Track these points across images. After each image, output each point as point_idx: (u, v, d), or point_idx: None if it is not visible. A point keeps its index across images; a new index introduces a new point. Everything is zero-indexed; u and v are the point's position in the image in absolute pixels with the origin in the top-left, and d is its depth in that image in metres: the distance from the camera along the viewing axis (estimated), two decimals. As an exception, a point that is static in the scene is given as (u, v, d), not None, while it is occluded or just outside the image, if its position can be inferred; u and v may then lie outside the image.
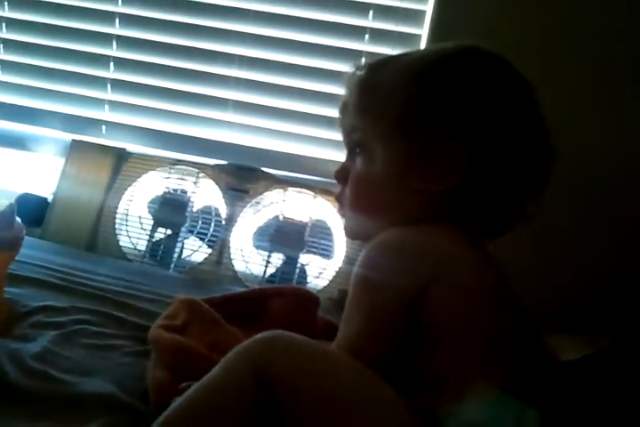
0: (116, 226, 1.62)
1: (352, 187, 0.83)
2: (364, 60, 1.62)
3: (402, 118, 0.78)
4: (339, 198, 0.87)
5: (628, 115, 1.46)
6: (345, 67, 1.56)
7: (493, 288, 0.74)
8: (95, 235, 1.61)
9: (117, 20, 1.73)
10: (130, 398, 0.82)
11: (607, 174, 1.45)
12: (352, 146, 0.84)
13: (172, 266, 1.57)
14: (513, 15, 1.50)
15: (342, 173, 0.85)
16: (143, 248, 1.60)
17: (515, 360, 0.70)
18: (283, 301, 1.06)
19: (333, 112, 1.61)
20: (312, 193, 1.60)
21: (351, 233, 0.89)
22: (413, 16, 1.60)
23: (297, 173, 1.66)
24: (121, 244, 1.61)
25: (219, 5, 1.68)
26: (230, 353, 0.67)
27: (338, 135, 1.63)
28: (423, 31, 1.60)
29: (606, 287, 1.44)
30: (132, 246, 1.60)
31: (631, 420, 0.85)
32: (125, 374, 0.89)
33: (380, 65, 0.85)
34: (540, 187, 0.81)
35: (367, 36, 1.63)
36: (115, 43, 1.74)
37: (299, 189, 1.62)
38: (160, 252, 1.59)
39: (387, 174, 0.79)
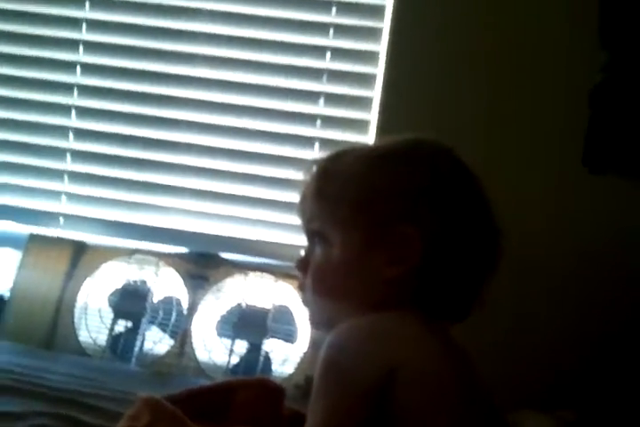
0: (75, 320, 1.59)
1: (312, 275, 0.84)
2: (316, 147, 1.67)
3: (357, 207, 0.81)
4: (301, 287, 0.88)
5: (576, 198, 1.52)
6: (298, 153, 1.64)
7: (459, 375, 0.74)
8: (54, 330, 1.57)
9: (74, 113, 1.76)
10: None
11: (556, 255, 1.49)
12: (311, 235, 0.86)
13: (134, 360, 1.54)
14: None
15: (303, 263, 0.86)
16: (103, 342, 1.57)
17: None
18: (247, 394, 1.04)
19: (290, 197, 1.66)
20: (273, 277, 1.60)
21: (315, 322, 0.89)
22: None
23: (257, 257, 1.66)
24: (80, 338, 1.58)
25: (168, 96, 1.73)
26: None
27: (296, 219, 1.66)
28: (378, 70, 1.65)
29: (572, 362, 1.45)
30: (92, 341, 1.57)
31: None
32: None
33: (336, 155, 0.88)
34: (492, 268, 0.83)
35: (319, 123, 1.68)
36: (71, 133, 1.76)
37: (260, 274, 1.61)
38: (121, 345, 1.56)
39: (344, 261, 0.81)
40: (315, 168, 0.88)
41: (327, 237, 0.83)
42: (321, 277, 0.83)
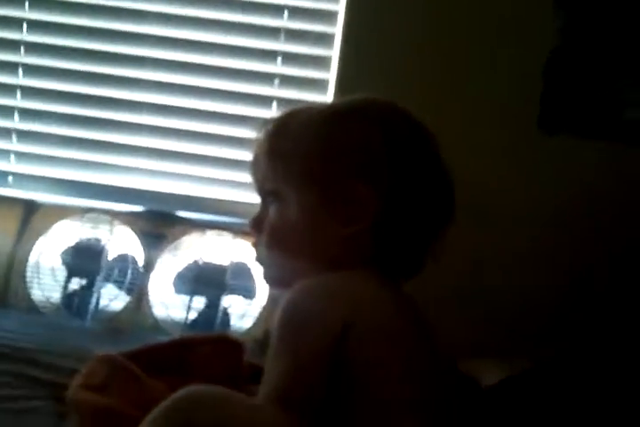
0: (28, 278, 1.56)
1: (268, 235, 0.84)
2: (274, 107, 1.65)
3: (311, 163, 0.81)
4: (255, 246, 0.88)
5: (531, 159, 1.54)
6: (254, 111, 1.62)
7: (413, 331, 0.76)
8: (6, 289, 1.55)
9: (20, 70, 1.70)
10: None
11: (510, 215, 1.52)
12: (265, 195, 0.86)
13: (89, 317, 1.53)
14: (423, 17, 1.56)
15: (256, 222, 0.86)
16: (57, 301, 1.55)
17: (438, 402, 0.72)
18: (206, 349, 1.04)
19: (245, 155, 1.64)
20: (231, 235, 1.60)
21: (270, 281, 0.90)
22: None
23: (215, 215, 1.65)
24: (33, 297, 1.56)
25: (128, 54, 1.68)
26: (153, 413, 0.65)
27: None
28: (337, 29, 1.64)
29: (528, 311, 1.48)
30: (45, 299, 1.55)
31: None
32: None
33: (289, 114, 0.88)
34: (446, 224, 0.84)
35: (277, 81, 1.66)
36: (19, 91, 1.70)
37: (217, 232, 1.61)
38: (75, 303, 1.54)
39: (300, 220, 0.81)
40: (267, 127, 0.87)
41: (281, 196, 0.83)
42: (277, 236, 0.83)
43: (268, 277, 0.89)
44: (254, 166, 0.87)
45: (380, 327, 0.72)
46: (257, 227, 0.86)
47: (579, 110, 1.53)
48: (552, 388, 1.13)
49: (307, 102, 1.57)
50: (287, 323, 0.73)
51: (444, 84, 1.55)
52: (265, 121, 0.88)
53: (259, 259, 0.88)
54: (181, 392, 0.65)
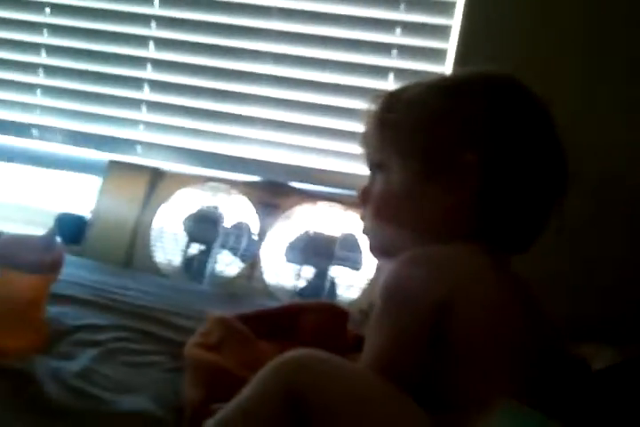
0: (152, 242, 1.66)
1: (373, 206, 0.86)
2: (391, 78, 1.64)
3: (417, 133, 0.83)
4: (362, 218, 0.91)
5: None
6: (371, 83, 1.61)
7: (518, 305, 0.76)
8: (132, 251, 1.66)
9: (152, 44, 1.78)
10: (166, 415, 0.85)
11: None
12: (373, 166, 0.88)
13: (206, 281, 1.61)
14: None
15: (364, 194, 0.88)
16: (178, 264, 1.64)
17: (538, 378, 0.72)
18: (314, 316, 1.09)
19: (357, 127, 1.65)
20: (342, 206, 1.63)
21: (376, 251, 0.92)
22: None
23: (327, 186, 1.68)
24: (156, 260, 1.65)
25: (249, 27, 1.73)
26: (260, 373, 0.69)
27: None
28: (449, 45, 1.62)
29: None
30: (167, 262, 1.65)
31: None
32: (163, 391, 0.92)
33: (401, 88, 0.90)
34: (559, 196, 0.83)
35: (395, 52, 1.65)
36: (149, 65, 1.79)
37: (328, 203, 1.64)
38: (194, 267, 1.62)
39: (404, 189, 0.83)
40: (379, 100, 0.89)
41: (387, 166, 0.84)
42: (382, 204, 0.85)
43: (372, 248, 0.91)
44: (365, 138, 0.90)
45: (482, 299, 0.73)
46: (364, 198, 0.88)
47: None
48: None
49: (423, 76, 1.56)
50: (389, 295, 0.75)
51: (566, 53, 1.48)
52: (377, 94, 0.90)
53: (365, 230, 0.91)
54: (290, 354, 0.69)
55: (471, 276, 0.75)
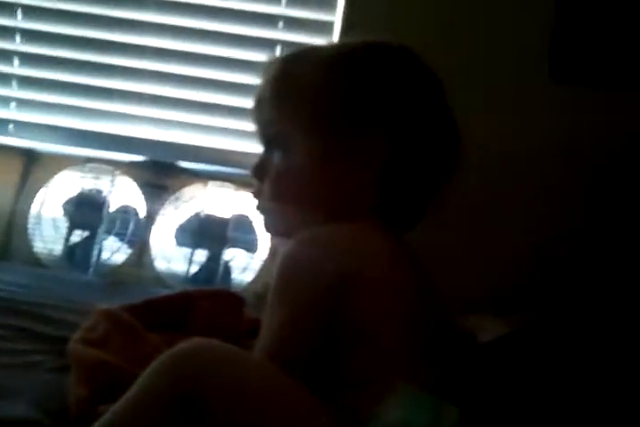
0: (29, 230, 1.57)
1: (273, 182, 0.82)
2: (278, 51, 1.60)
3: (320, 109, 0.79)
4: (256, 195, 0.86)
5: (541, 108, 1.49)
6: (258, 56, 1.57)
7: (413, 283, 0.75)
8: (7, 241, 1.57)
9: (19, 12, 1.66)
10: (51, 422, 0.78)
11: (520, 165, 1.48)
12: (269, 140, 0.84)
13: (91, 270, 1.54)
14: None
15: (259, 170, 0.84)
16: (59, 253, 1.56)
17: (433, 356, 0.72)
18: (207, 304, 1.05)
19: (248, 103, 1.61)
20: (233, 186, 1.59)
21: (272, 229, 0.89)
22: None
23: (217, 165, 1.63)
24: (35, 249, 1.56)
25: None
26: (149, 368, 0.66)
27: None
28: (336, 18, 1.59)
29: (526, 266, 1.47)
30: (48, 251, 1.56)
31: (546, 399, 0.88)
32: (47, 394, 0.85)
33: (295, 57, 0.86)
34: (451, 174, 0.82)
35: (281, 24, 1.61)
36: (19, 37, 1.66)
37: (219, 183, 1.60)
38: (77, 255, 1.55)
39: (308, 167, 0.80)
40: (271, 69, 0.84)
41: (288, 142, 0.81)
42: (281, 183, 0.81)
43: (269, 227, 0.88)
44: (257, 110, 0.85)
45: (379, 277, 0.72)
46: (259, 174, 0.84)
47: (590, 58, 1.48)
48: (550, 345, 1.13)
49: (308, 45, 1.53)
50: (283, 275, 0.73)
51: (451, 29, 1.50)
52: (268, 63, 0.85)
53: (260, 208, 0.87)
54: (179, 346, 0.66)
55: (366, 251, 0.73)
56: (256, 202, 0.87)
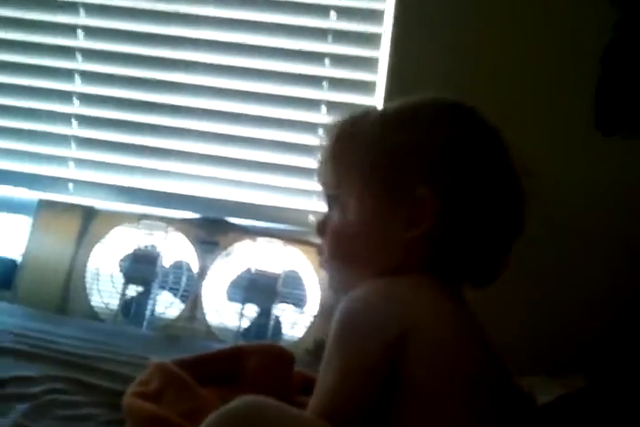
0: (87, 285, 1.60)
1: (329, 239, 0.85)
2: (323, 110, 1.65)
3: (371, 168, 0.81)
4: (320, 252, 0.91)
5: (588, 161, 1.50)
6: (304, 115, 1.62)
7: (474, 341, 0.74)
8: (66, 295, 1.59)
9: (78, 76, 1.75)
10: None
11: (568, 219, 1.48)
12: (328, 199, 0.87)
13: (145, 323, 1.56)
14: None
15: (321, 226, 0.87)
16: (115, 307, 1.59)
17: (492, 415, 0.70)
18: (257, 360, 1.05)
19: (297, 161, 1.65)
20: (282, 242, 1.61)
21: (333, 286, 0.90)
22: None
23: (266, 222, 1.66)
24: (92, 303, 1.59)
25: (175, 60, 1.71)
26: (205, 423, 0.66)
27: (304, 184, 1.65)
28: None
29: (582, 326, 1.45)
30: (104, 305, 1.59)
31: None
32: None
33: (354, 118, 0.88)
34: (516, 231, 0.82)
35: (325, 84, 1.67)
36: (75, 98, 1.75)
37: (268, 239, 1.62)
38: (133, 310, 1.57)
39: (359, 227, 0.81)
40: (331, 132, 0.87)
41: (343, 202, 0.83)
42: (337, 242, 0.84)
43: (330, 284, 0.90)
44: (320, 172, 0.88)
45: (439, 335, 0.71)
46: (322, 231, 0.86)
47: (636, 109, 1.48)
48: (608, 407, 1.10)
49: (367, 106, 1.56)
50: (344, 327, 0.72)
51: (498, 83, 1.52)
52: (329, 126, 0.89)
53: (322, 264, 0.89)
54: (234, 402, 0.65)
55: (426, 310, 0.73)
56: (320, 258, 0.92)
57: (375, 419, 0.69)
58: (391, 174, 0.80)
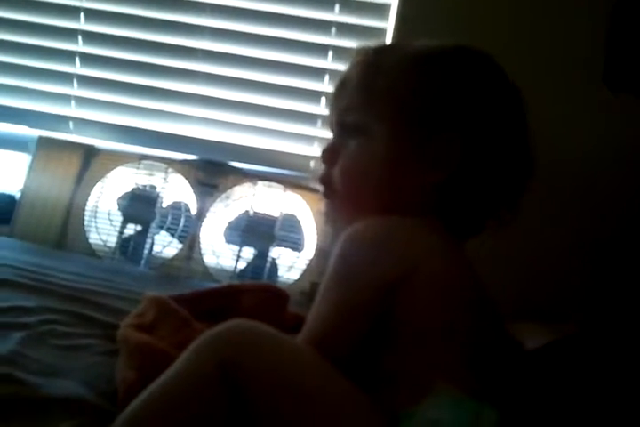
0: (86, 222, 1.61)
1: (345, 168, 0.81)
2: (330, 56, 1.62)
3: (407, 103, 0.79)
4: (323, 180, 0.85)
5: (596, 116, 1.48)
6: (309, 61, 1.59)
7: (469, 287, 0.75)
8: (64, 232, 1.60)
9: (82, 15, 1.71)
10: (99, 400, 0.81)
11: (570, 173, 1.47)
12: (345, 127, 0.83)
13: (143, 262, 1.57)
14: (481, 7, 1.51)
15: (330, 154, 0.83)
16: (113, 244, 1.60)
17: (480, 359, 0.70)
18: (252, 297, 1.07)
19: (301, 106, 1.63)
20: (282, 187, 1.61)
21: (333, 217, 0.88)
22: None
23: (266, 166, 1.66)
24: (90, 240, 1.60)
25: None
26: (195, 342, 0.67)
27: (307, 129, 1.63)
28: (389, 24, 1.60)
29: (575, 274, 1.46)
30: (102, 243, 1.60)
31: (594, 408, 0.87)
32: (96, 375, 0.88)
33: (387, 48, 0.85)
34: (522, 185, 0.82)
35: (334, 30, 1.63)
36: (80, 38, 1.72)
37: (268, 183, 1.62)
38: (130, 248, 1.58)
39: (386, 157, 0.79)
40: (363, 57, 0.83)
41: (369, 130, 0.80)
42: (356, 169, 0.81)
43: (330, 213, 0.87)
44: (338, 95, 0.84)
45: (435, 274, 0.71)
46: (329, 159, 0.83)
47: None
48: (598, 354, 1.11)
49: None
50: (338, 266, 0.72)
51: (508, 34, 1.49)
52: (358, 50, 0.85)
53: (325, 193, 0.85)
54: (224, 325, 0.66)
55: (425, 250, 0.73)
56: (321, 188, 0.85)
57: (358, 356, 0.70)
58: (425, 114, 0.78)
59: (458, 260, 0.76)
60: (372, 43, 0.85)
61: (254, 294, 1.07)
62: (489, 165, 0.78)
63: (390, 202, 0.79)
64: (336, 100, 0.84)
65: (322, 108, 1.62)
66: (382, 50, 0.84)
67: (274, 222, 1.57)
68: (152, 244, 1.59)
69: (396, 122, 0.79)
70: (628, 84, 1.47)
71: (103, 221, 1.61)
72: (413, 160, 0.78)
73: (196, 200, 1.61)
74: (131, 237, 1.60)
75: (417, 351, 0.69)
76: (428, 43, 0.83)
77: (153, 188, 1.62)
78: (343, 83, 0.84)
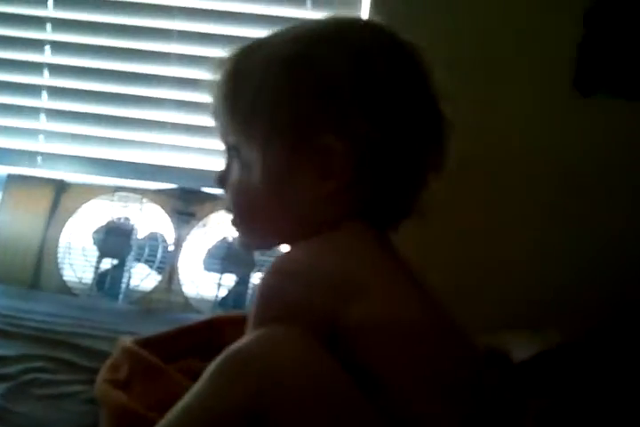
0: (59, 260, 1.58)
1: (233, 198, 0.76)
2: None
3: (273, 119, 0.70)
4: (228, 209, 0.78)
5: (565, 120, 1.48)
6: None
7: (415, 289, 0.68)
8: (38, 271, 1.56)
9: (48, 47, 1.69)
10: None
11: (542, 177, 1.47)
12: (227, 148, 0.77)
13: (121, 297, 1.54)
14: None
15: (223, 179, 0.76)
16: (89, 281, 1.57)
17: (461, 390, 0.65)
18: (234, 330, 1.04)
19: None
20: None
21: (244, 245, 0.83)
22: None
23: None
24: (65, 278, 1.57)
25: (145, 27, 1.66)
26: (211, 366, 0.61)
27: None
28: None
29: (556, 280, 1.45)
30: (78, 280, 1.57)
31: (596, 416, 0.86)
32: (85, 425, 0.87)
33: (249, 49, 0.75)
34: (436, 167, 0.74)
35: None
36: (46, 71, 1.70)
37: (244, 208, 1.60)
38: (107, 283, 1.56)
39: (267, 182, 0.72)
40: (223, 68, 0.74)
41: (244, 157, 0.73)
42: (242, 200, 0.75)
43: (240, 242, 0.81)
44: (215, 112, 0.76)
45: (380, 310, 0.64)
46: (223, 184, 0.77)
47: (615, 69, 1.46)
48: (587, 363, 1.11)
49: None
50: (276, 293, 0.66)
51: (480, 42, 1.45)
52: (221, 60, 0.75)
53: (232, 222, 0.78)
54: (246, 338, 0.61)
55: (366, 263, 0.67)
56: (229, 216, 0.79)
57: None
58: (295, 126, 0.69)
59: (401, 270, 0.70)
60: (236, 49, 0.75)
61: (236, 325, 1.05)
62: (393, 157, 0.70)
63: (297, 226, 0.72)
64: (214, 117, 0.77)
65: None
66: (248, 51, 0.75)
67: (253, 248, 1.55)
68: (130, 277, 1.56)
69: (266, 140, 0.71)
70: (600, 86, 1.47)
71: (77, 257, 1.58)
72: (299, 179, 0.70)
73: (173, 229, 1.59)
74: (107, 271, 1.57)
75: (394, 397, 0.61)
76: (304, 28, 0.74)
77: (127, 219, 1.60)
78: (215, 98, 0.75)
